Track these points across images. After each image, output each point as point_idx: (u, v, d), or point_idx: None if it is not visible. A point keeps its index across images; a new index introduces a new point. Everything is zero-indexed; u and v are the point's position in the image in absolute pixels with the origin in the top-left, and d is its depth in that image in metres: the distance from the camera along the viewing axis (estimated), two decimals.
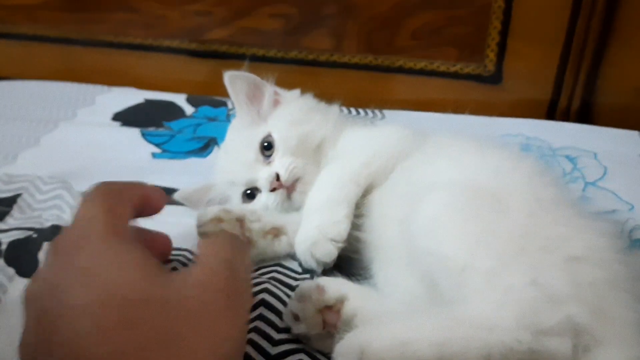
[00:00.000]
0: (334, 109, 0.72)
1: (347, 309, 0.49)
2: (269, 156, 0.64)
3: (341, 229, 0.57)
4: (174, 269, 0.57)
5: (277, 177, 0.62)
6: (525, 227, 0.46)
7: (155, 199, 0.47)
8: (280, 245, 0.61)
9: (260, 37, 1.01)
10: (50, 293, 0.36)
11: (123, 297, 0.35)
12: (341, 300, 0.49)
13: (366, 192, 0.61)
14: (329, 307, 0.49)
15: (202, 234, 0.58)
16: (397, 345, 0.40)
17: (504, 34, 0.92)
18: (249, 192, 0.65)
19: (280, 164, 0.63)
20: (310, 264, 0.57)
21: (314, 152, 0.65)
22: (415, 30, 0.95)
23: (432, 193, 0.50)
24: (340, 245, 0.56)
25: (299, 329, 0.49)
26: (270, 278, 0.57)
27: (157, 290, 0.36)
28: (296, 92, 0.72)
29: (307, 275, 0.58)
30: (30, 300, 0.38)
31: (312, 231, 0.57)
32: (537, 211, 0.48)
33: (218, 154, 0.72)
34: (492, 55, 0.94)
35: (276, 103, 0.69)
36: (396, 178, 0.60)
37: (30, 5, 1.07)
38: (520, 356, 0.39)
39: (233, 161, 0.66)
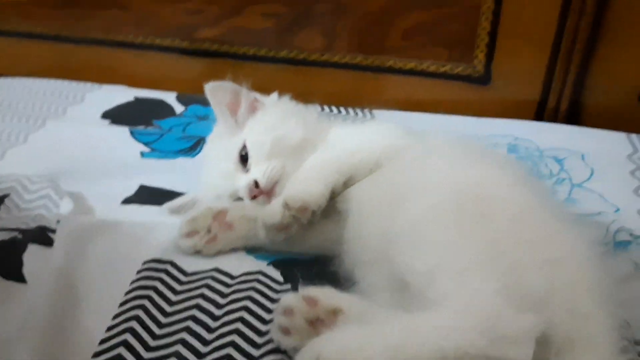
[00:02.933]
0: (312, 109, 0.72)
1: (341, 320, 0.47)
2: (246, 164, 0.65)
3: (303, 194, 0.57)
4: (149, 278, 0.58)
5: (256, 184, 0.62)
6: (507, 231, 0.46)
7: None
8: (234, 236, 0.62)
9: (251, 36, 1.01)
10: None
11: None
12: (335, 313, 0.48)
13: (346, 186, 0.61)
14: (321, 320, 0.48)
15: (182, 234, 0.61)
16: (351, 350, 0.40)
17: (493, 34, 0.92)
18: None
19: (257, 170, 0.63)
20: (259, 232, 0.58)
21: (294, 153, 0.64)
22: (406, 31, 0.95)
23: (418, 196, 0.50)
24: (295, 211, 0.56)
25: (287, 343, 0.48)
26: (251, 288, 0.57)
27: None
28: (274, 96, 0.72)
29: (288, 286, 0.58)
30: None
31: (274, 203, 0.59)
32: (520, 215, 0.48)
33: (201, 166, 0.73)
34: (481, 55, 0.94)
35: (254, 109, 0.70)
36: (380, 176, 0.60)
37: (21, 2, 1.06)
38: None
39: (214, 174, 0.67)
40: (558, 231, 0.48)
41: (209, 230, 0.61)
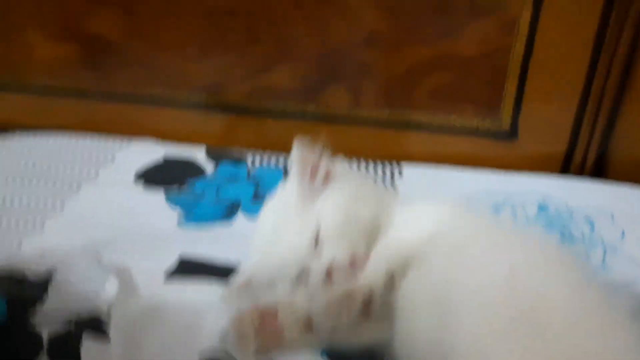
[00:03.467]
0: (384, 189, 0.72)
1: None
2: (317, 243, 0.63)
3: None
4: None
5: (331, 270, 0.61)
6: (566, 345, 0.47)
7: None
8: (312, 339, 0.62)
9: (278, 92, 1.02)
10: None
11: None
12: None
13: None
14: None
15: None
16: None
17: (520, 90, 0.94)
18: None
19: (329, 251, 0.62)
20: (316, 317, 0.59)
21: (364, 235, 0.63)
22: (432, 89, 0.96)
23: (469, 304, 0.52)
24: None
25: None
26: None
27: None
28: (343, 165, 0.71)
29: None
30: None
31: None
32: (577, 321, 0.49)
33: (259, 231, 0.70)
34: (508, 111, 0.95)
35: (328, 178, 0.67)
36: (427, 268, 0.60)
37: (48, 59, 1.07)
38: None
39: (284, 246, 0.64)
40: (617, 338, 0.48)
41: (257, 335, 0.60)
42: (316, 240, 0.63)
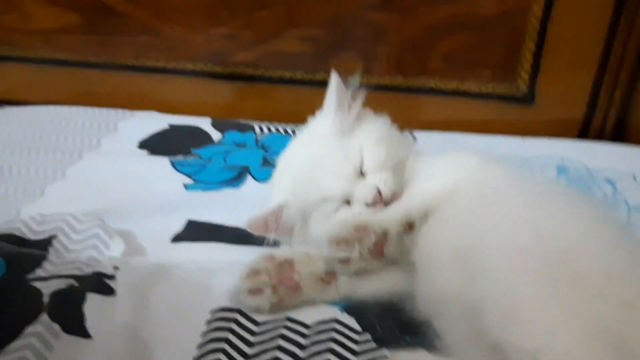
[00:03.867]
0: (407, 135, 0.74)
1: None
2: (361, 170, 0.63)
3: (360, 218, 0.57)
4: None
5: (379, 191, 0.61)
6: (605, 296, 0.44)
7: None
8: (329, 293, 0.59)
9: (287, 59, 0.99)
10: None
11: None
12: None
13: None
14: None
15: (245, 291, 0.57)
16: None
17: (538, 54, 0.91)
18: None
19: (376, 178, 0.62)
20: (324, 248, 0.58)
21: (397, 170, 0.64)
22: (447, 52, 0.93)
23: (496, 249, 0.48)
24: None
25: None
26: (329, 339, 0.55)
27: None
28: (372, 113, 0.71)
29: (368, 336, 0.56)
30: None
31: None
32: (612, 270, 0.46)
33: (288, 166, 0.68)
34: (525, 75, 0.92)
35: (361, 117, 0.68)
36: (450, 217, 0.57)
37: (48, 29, 1.04)
38: None
39: (327, 174, 0.63)
40: None
41: (274, 288, 0.57)
42: (360, 170, 0.63)
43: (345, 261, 0.56)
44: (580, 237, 0.49)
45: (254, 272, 0.57)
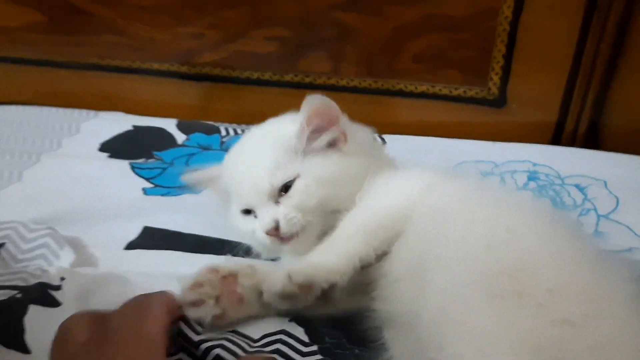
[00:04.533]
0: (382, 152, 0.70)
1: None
2: (281, 195, 0.60)
3: (310, 269, 0.52)
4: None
5: (277, 226, 0.59)
6: (544, 309, 0.41)
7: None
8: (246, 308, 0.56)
9: (254, 60, 0.96)
10: None
11: None
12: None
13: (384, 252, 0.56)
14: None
15: (187, 303, 0.53)
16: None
17: (509, 56, 0.89)
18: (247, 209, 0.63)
19: (284, 213, 0.59)
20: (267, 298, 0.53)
21: (326, 216, 0.60)
22: (417, 54, 0.91)
23: (439, 272, 0.46)
24: (298, 287, 0.51)
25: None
26: (274, 351, 0.53)
27: None
28: (359, 128, 0.67)
29: (315, 347, 0.54)
30: None
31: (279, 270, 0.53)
32: (558, 286, 0.44)
33: (238, 145, 0.66)
34: (496, 78, 0.91)
35: (334, 144, 0.62)
36: (411, 234, 0.55)
37: (11, 27, 1.01)
38: None
39: (247, 177, 0.61)
40: (603, 300, 0.43)
41: (217, 300, 0.53)
42: (284, 187, 0.60)
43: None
44: (532, 249, 0.47)
45: (196, 284, 0.54)
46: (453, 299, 0.43)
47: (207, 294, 0.53)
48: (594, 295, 0.43)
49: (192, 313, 0.53)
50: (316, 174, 0.60)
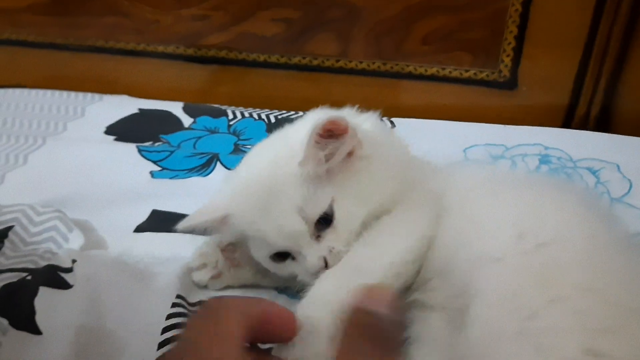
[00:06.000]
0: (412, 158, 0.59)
1: None
2: (319, 225, 0.51)
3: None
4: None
5: (325, 264, 0.50)
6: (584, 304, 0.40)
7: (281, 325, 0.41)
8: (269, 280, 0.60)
9: (261, 42, 0.95)
10: None
11: None
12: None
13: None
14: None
15: (192, 268, 0.61)
16: None
17: (521, 37, 0.87)
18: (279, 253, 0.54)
19: (329, 247, 0.51)
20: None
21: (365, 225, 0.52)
22: (426, 35, 0.90)
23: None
24: None
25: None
26: None
27: None
28: (366, 117, 0.58)
29: None
30: None
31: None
32: (594, 285, 0.42)
33: (245, 184, 0.55)
34: (507, 60, 0.89)
35: (350, 156, 0.52)
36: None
37: (13, 9, 0.99)
38: None
39: (274, 225, 0.51)
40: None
41: (216, 264, 0.60)
42: (323, 224, 0.51)
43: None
44: (560, 231, 0.46)
45: (201, 253, 0.61)
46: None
47: (208, 260, 0.61)
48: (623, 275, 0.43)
49: (195, 276, 0.61)
50: (352, 187, 0.52)
